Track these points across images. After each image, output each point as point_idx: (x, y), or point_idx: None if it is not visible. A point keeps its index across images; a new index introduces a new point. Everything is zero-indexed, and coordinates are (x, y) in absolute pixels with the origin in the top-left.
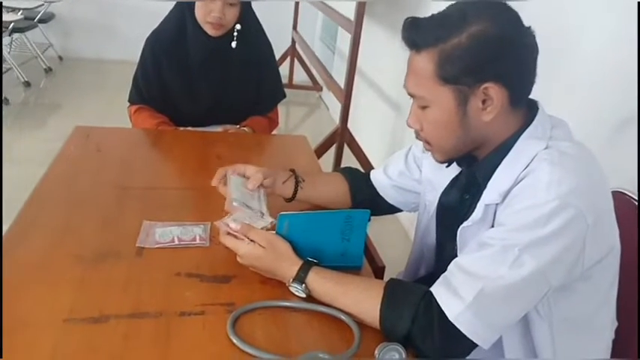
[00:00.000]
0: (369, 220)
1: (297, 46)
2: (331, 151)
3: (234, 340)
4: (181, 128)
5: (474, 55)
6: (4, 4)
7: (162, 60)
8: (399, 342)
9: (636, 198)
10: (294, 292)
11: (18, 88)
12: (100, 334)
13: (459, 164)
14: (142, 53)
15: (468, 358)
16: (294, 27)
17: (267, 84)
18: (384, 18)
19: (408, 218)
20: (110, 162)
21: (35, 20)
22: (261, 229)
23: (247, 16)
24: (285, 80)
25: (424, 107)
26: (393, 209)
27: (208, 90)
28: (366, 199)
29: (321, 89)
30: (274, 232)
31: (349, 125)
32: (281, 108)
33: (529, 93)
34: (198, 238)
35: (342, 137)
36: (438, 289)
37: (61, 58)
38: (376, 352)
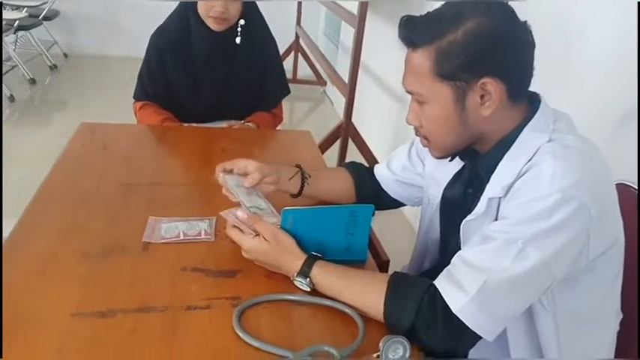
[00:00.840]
0: (373, 214)
1: (301, 41)
2: (335, 146)
3: (240, 334)
4: (186, 124)
5: (470, 51)
6: (9, 2)
7: (167, 57)
8: (403, 335)
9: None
10: (298, 285)
11: (23, 86)
12: (107, 329)
13: (461, 158)
14: (146, 50)
15: (471, 352)
16: (298, 22)
17: (271, 80)
18: (388, 12)
19: (412, 212)
20: (115, 158)
21: (40, 18)
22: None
23: (251, 11)
24: (289, 75)
25: (422, 104)
26: (396, 204)
27: (213, 86)
28: (370, 193)
29: (325, 84)
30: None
31: (353, 120)
32: (285, 103)
33: (527, 87)
34: (203, 232)
35: (346, 132)
36: (441, 282)
37: (65, 55)
38: (380, 345)
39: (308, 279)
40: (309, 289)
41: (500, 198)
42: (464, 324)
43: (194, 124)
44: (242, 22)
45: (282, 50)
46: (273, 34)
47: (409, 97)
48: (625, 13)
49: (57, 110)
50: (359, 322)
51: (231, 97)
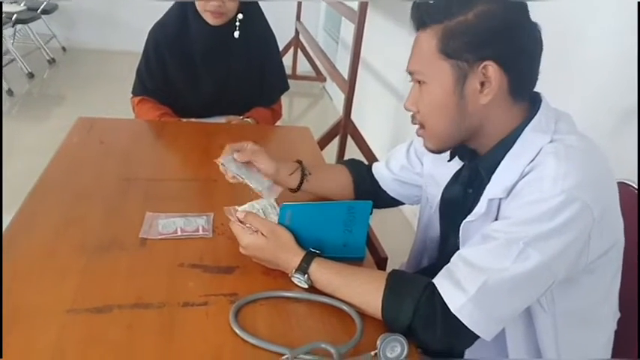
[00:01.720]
0: (372, 212)
1: (301, 37)
2: (335, 143)
3: (237, 331)
4: (184, 119)
5: (477, 31)
6: None
7: (165, 51)
8: (401, 333)
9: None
10: (296, 282)
11: (22, 80)
12: (103, 325)
13: (461, 158)
14: (145, 45)
15: (468, 351)
16: (298, 17)
17: (270, 75)
18: (388, 8)
19: (411, 209)
20: (113, 153)
21: (38, 11)
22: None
23: (250, 6)
24: (288, 71)
25: (422, 84)
26: (395, 202)
27: (211, 81)
28: (369, 191)
29: (324, 80)
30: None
31: (353, 116)
32: (284, 99)
33: (531, 87)
34: (201, 229)
35: (345, 128)
36: (440, 281)
37: (64, 49)
38: (378, 342)
39: (306, 276)
40: (307, 286)
41: (500, 199)
42: (462, 323)
43: (193, 120)
44: (240, 16)
45: (281, 46)
46: (273, 30)
47: (404, 102)
48: (625, 11)
49: (55, 104)
50: (357, 319)
51: (230, 93)
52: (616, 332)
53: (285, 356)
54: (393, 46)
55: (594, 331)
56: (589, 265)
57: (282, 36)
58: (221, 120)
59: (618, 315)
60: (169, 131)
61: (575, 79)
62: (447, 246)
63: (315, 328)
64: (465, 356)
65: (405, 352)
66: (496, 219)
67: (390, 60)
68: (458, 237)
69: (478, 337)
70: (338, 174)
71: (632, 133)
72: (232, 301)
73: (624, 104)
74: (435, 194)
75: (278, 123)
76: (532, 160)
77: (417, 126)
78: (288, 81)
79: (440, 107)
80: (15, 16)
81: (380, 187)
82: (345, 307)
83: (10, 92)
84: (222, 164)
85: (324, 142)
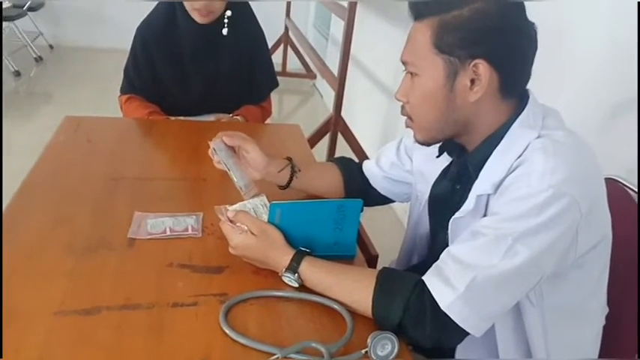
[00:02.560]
0: (362, 210)
1: (291, 34)
2: (325, 140)
3: (227, 331)
4: (173, 118)
5: (471, 28)
6: None
7: (153, 49)
8: (392, 331)
9: (629, 185)
10: (287, 281)
11: (8, 78)
12: (91, 326)
13: (449, 154)
14: (132, 42)
15: (459, 347)
16: (287, 14)
17: (259, 73)
18: (378, 5)
19: (402, 207)
20: (101, 152)
21: (24, 8)
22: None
23: (238, 2)
24: (278, 68)
25: (414, 77)
26: (385, 200)
27: (200, 78)
28: (359, 189)
29: (314, 77)
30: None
31: (343, 114)
32: (274, 96)
33: (522, 86)
34: (190, 228)
35: (335, 126)
36: (430, 278)
37: (51, 46)
38: (368, 341)
39: (296, 275)
40: (297, 285)
41: (489, 195)
42: (452, 320)
43: (181, 118)
44: (229, 13)
45: (271, 43)
46: (262, 27)
47: (395, 92)
48: (616, 5)
49: (42, 103)
50: (347, 318)
51: (219, 90)
52: (605, 327)
53: (276, 356)
54: (383, 43)
55: (583, 326)
56: (577, 260)
57: (272, 33)
58: (210, 118)
59: (607, 310)
60: (158, 130)
61: (564, 76)
62: (436, 243)
63: (306, 327)
64: (456, 352)
65: (396, 350)
66: (485, 215)
67: (381, 57)
68: (447, 233)
69: (468, 333)
70: (328, 172)
71: (620, 129)
72: (222, 301)
73: (612, 100)
74: (424, 191)
75: (268, 121)
76: (520, 156)
77: (402, 108)
78: (278, 78)
79: (429, 100)
80: None
81: (370, 185)
82: (335, 306)
83: None
84: (212, 148)
85: (314, 139)
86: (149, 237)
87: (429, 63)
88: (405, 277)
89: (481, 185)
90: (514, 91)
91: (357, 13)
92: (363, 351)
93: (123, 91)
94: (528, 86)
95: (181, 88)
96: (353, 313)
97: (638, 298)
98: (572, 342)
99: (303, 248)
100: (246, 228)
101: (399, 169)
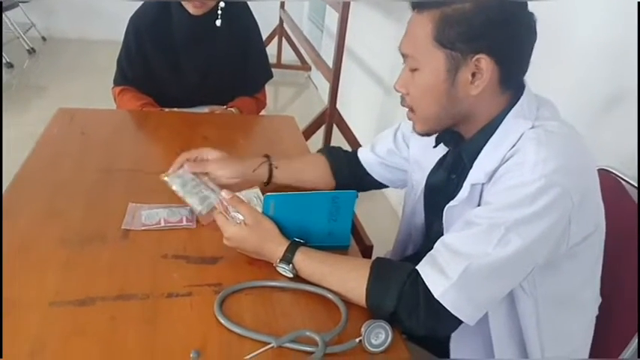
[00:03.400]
0: (357, 196)
1: (285, 25)
2: (320, 132)
3: (222, 321)
4: (167, 109)
5: (472, 22)
6: None
7: (146, 40)
8: (386, 319)
9: (621, 176)
10: (281, 272)
11: None
12: (86, 317)
13: (445, 144)
14: (125, 34)
15: (453, 335)
16: (282, 5)
17: (253, 64)
18: None
19: (397, 197)
20: (94, 144)
21: None
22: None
23: None
24: (273, 60)
25: (414, 70)
26: (380, 185)
27: (194, 70)
28: (349, 176)
29: (309, 69)
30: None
31: (338, 105)
32: (269, 88)
33: (520, 76)
34: (184, 219)
35: (331, 117)
36: (424, 268)
37: (44, 38)
38: (362, 329)
39: (291, 265)
40: (291, 276)
41: (483, 184)
42: (445, 309)
43: (175, 110)
44: (222, 4)
45: (265, 34)
46: (257, 18)
47: (394, 82)
48: (607, 3)
49: (35, 95)
50: (341, 307)
51: (213, 82)
52: (597, 317)
53: (271, 345)
54: (378, 34)
55: (576, 315)
56: (570, 249)
57: (267, 24)
58: (204, 110)
59: (599, 300)
60: (151, 121)
61: (558, 69)
62: (431, 233)
63: (301, 317)
64: (450, 341)
65: (390, 339)
66: (479, 204)
67: (376, 49)
68: (442, 223)
69: (462, 322)
70: (313, 162)
71: (614, 120)
72: (217, 292)
73: (606, 93)
74: (420, 180)
75: (262, 112)
76: (513, 146)
77: (406, 109)
78: (273, 70)
79: (430, 92)
80: None
81: (364, 171)
82: (329, 296)
83: None
84: (166, 181)
85: (309, 131)
86: (143, 228)
87: (429, 57)
88: (399, 267)
89: (475, 174)
90: (513, 82)
91: (352, 5)
92: (357, 339)
93: (116, 82)
94: (527, 77)
95: (175, 80)
96: (347, 302)
97: (638, 287)
98: (565, 331)
99: (297, 239)
100: (240, 219)
101: (396, 155)
